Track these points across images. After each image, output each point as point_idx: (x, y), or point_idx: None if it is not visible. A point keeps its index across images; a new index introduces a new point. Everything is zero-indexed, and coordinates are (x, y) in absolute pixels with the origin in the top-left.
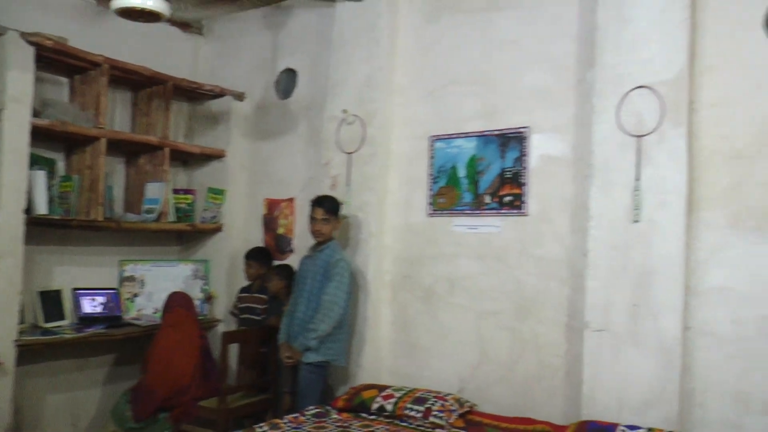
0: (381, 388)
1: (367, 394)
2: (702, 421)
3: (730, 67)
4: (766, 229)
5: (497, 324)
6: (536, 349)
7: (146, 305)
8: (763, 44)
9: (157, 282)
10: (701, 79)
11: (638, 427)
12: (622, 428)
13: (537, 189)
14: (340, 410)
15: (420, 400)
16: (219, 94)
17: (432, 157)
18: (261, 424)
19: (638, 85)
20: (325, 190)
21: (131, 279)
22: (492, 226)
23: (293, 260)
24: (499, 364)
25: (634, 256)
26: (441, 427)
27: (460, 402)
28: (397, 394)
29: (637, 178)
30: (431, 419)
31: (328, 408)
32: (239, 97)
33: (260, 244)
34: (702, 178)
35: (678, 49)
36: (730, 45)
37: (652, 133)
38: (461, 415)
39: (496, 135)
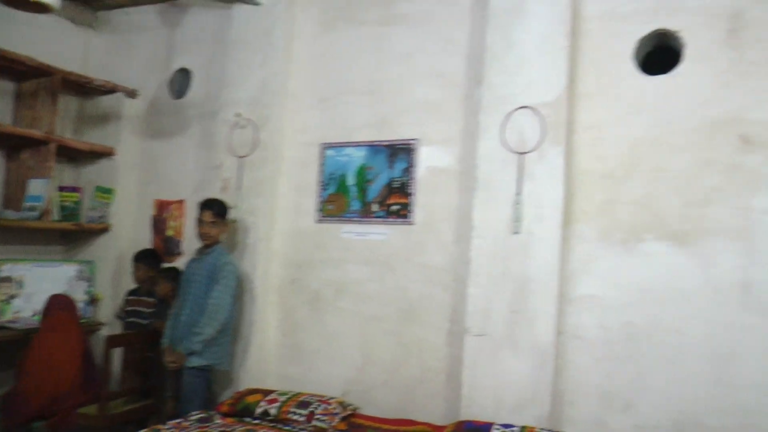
0: (265, 392)
1: (251, 399)
2: (571, 419)
3: (605, 93)
4: (632, 242)
5: (382, 329)
6: (419, 353)
7: (24, 307)
8: (633, 75)
9: (37, 283)
10: (579, 103)
11: (512, 426)
12: (497, 427)
13: (423, 199)
14: (225, 415)
15: (304, 404)
16: (110, 90)
17: (323, 164)
18: (143, 431)
19: (522, 105)
20: (216, 193)
21: (8, 280)
22: (379, 233)
23: (183, 263)
24: (383, 367)
25: (513, 265)
26: (323, 430)
27: (343, 405)
28: (282, 398)
29: (518, 192)
30: (314, 423)
31: (212, 413)
32: (131, 94)
33: (149, 245)
34: (577, 194)
35: (558, 74)
36: (605, 73)
37: (533, 150)
38: (344, 418)
39: (386, 145)
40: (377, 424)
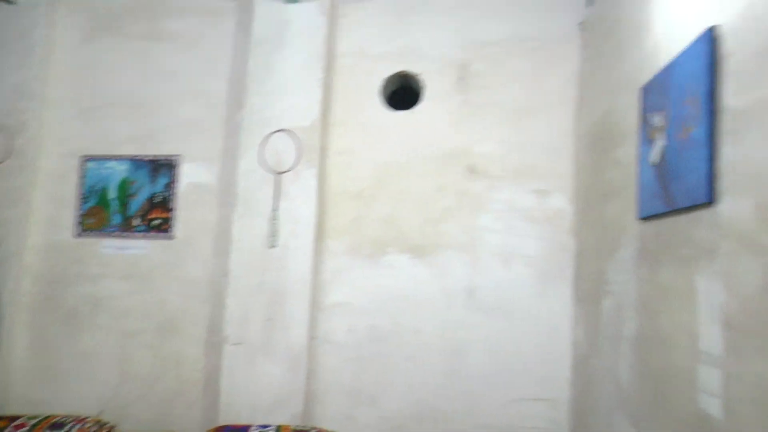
0: (12, 418)
1: None
2: (323, 416)
3: (355, 122)
4: (377, 255)
5: (140, 343)
6: (177, 365)
7: None
8: (380, 109)
9: None
10: (332, 130)
11: (268, 426)
12: (255, 428)
13: (185, 214)
14: None
15: (57, 425)
16: None
17: (83, 177)
18: None
19: (280, 128)
20: None
21: None
22: (140, 248)
23: None
24: (140, 382)
25: (269, 276)
26: None
27: (100, 424)
28: (31, 422)
29: (275, 209)
30: None
31: None
32: None
33: None
34: (329, 212)
35: (314, 103)
36: (356, 105)
37: (289, 170)
38: None
39: (149, 160)
40: None
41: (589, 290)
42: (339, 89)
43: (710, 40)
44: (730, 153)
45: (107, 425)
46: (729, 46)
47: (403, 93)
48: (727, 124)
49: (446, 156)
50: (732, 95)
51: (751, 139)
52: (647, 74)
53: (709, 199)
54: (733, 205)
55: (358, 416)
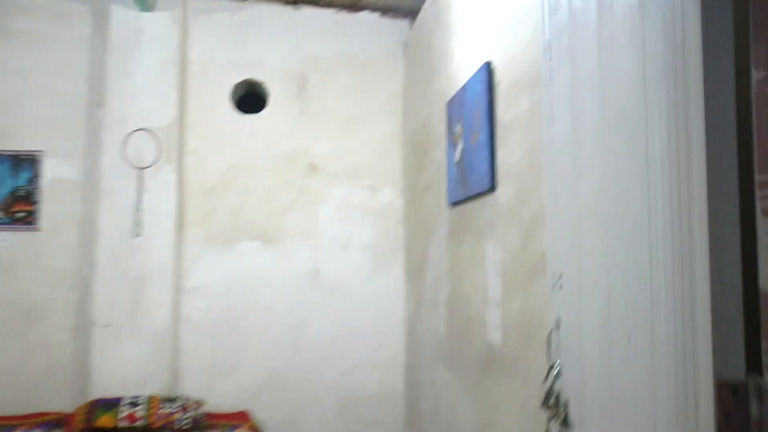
0: None
1: None
2: (188, 388)
3: (207, 124)
4: (230, 243)
5: (5, 331)
6: (45, 350)
7: None
8: (229, 112)
9: None
10: (187, 131)
11: (139, 395)
12: (126, 398)
13: (49, 207)
14: None
15: None
16: None
17: None
18: None
19: (140, 127)
20: None
21: None
22: (1, 240)
23: None
24: (7, 369)
25: (134, 263)
26: None
27: None
28: None
29: (138, 202)
30: None
31: None
32: None
33: None
34: (187, 205)
35: (170, 105)
36: (208, 109)
37: (150, 166)
38: None
39: (9, 156)
40: (6, 422)
41: (416, 269)
42: (193, 93)
43: (488, 70)
44: (502, 154)
45: None
46: (498, 76)
47: (250, 99)
48: (499, 132)
49: (289, 156)
50: (502, 112)
51: (512, 143)
52: (451, 91)
53: (491, 187)
54: (504, 191)
55: (218, 387)
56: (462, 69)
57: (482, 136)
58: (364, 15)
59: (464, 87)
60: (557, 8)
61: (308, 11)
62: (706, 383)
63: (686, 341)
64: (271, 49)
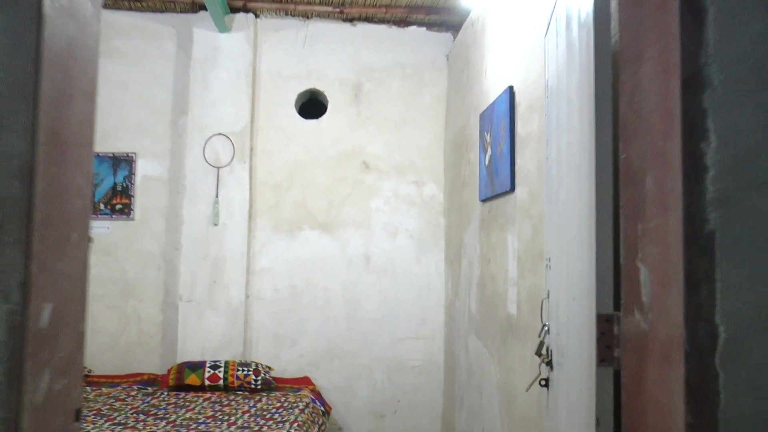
0: None
1: None
2: (256, 356)
3: (274, 128)
4: (294, 231)
5: (105, 305)
6: (138, 321)
7: None
8: (294, 117)
9: None
10: (257, 134)
11: (219, 360)
12: (209, 363)
13: (142, 200)
14: None
15: None
16: None
17: None
18: None
19: (217, 132)
20: None
21: None
22: (104, 227)
23: None
24: (107, 336)
25: (212, 248)
26: None
27: None
28: None
29: (216, 196)
30: None
31: None
32: None
33: None
34: (257, 198)
35: (243, 112)
36: (275, 115)
37: (226, 166)
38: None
39: (109, 156)
40: (110, 380)
41: (454, 254)
42: (262, 101)
43: (510, 93)
44: (519, 162)
45: (85, 369)
46: (518, 98)
47: (312, 105)
48: (518, 144)
49: (345, 155)
50: (520, 128)
51: (527, 154)
52: (483, 105)
53: (512, 189)
54: (520, 192)
55: (282, 356)
56: (492, 87)
57: (505, 147)
58: (413, 29)
59: (493, 103)
60: (555, 57)
61: (363, 27)
62: (591, 315)
63: (591, 296)
64: (331, 61)
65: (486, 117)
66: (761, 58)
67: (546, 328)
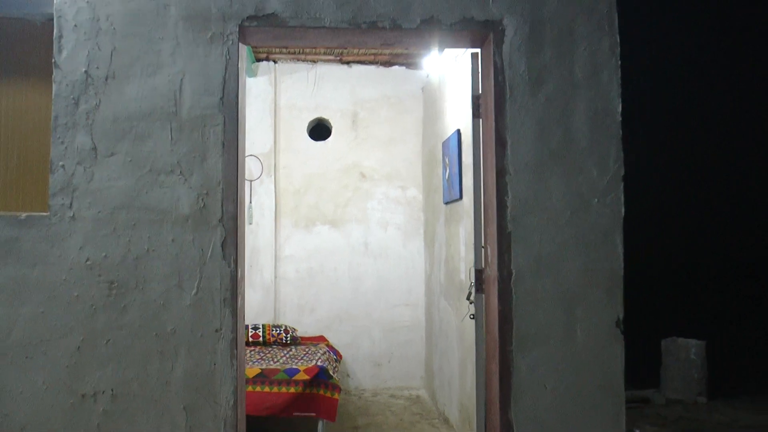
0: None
1: None
2: (284, 320)
3: (292, 149)
4: (310, 226)
5: None
6: None
7: None
8: (306, 141)
9: None
10: (279, 154)
11: (258, 323)
12: (251, 325)
13: None
14: None
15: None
16: None
17: None
18: None
19: (249, 154)
20: None
21: None
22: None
23: None
24: None
25: (249, 240)
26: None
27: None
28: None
29: (250, 202)
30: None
31: None
32: None
33: None
34: (281, 202)
35: (268, 137)
36: (292, 139)
37: (257, 179)
38: None
39: None
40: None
41: (430, 241)
42: (282, 128)
43: (458, 133)
44: (464, 180)
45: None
46: (463, 138)
47: (320, 130)
48: (464, 169)
49: (346, 168)
50: (464, 157)
51: (468, 176)
52: (444, 136)
53: (460, 197)
54: (466, 200)
55: (304, 320)
56: (449, 124)
57: (456, 169)
58: (396, 68)
59: (449, 137)
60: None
61: (358, 68)
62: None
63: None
64: (334, 95)
65: (445, 145)
66: (529, 163)
67: (471, 284)
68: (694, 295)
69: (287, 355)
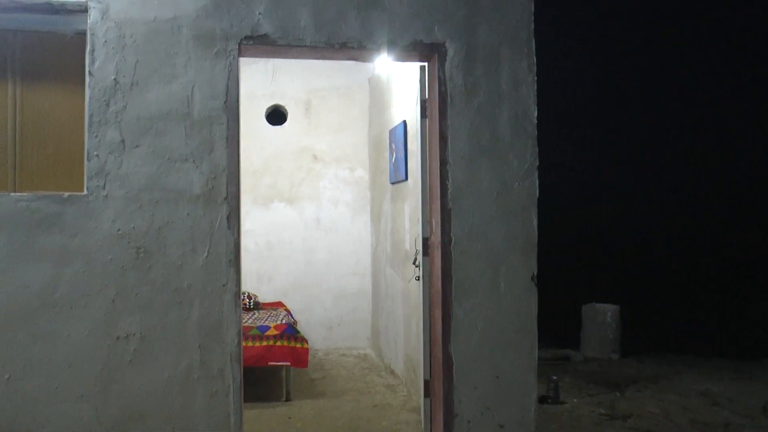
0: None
1: None
2: (246, 287)
3: (251, 135)
4: (268, 203)
5: None
6: None
7: None
8: (264, 126)
9: None
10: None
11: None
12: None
13: None
14: None
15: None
16: None
17: None
18: None
19: None
20: None
21: None
22: None
23: None
24: None
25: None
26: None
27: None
28: None
29: None
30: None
31: None
32: None
33: None
34: (242, 182)
35: None
36: (252, 125)
37: None
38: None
39: None
40: None
41: (376, 217)
42: (244, 114)
43: (404, 125)
44: (410, 164)
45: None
46: (409, 128)
47: (277, 116)
48: (409, 154)
49: (301, 150)
50: (410, 145)
51: (413, 160)
52: (391, 125)
53: (406, 179)
54: (411, 181)
55: (262, 288)
56: (395, 115)
57: (402, 155)
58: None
59: (396, 126)
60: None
61: (312, 60)
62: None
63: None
64: (290, 85)
65: (392, 133)
66: (465, 155)
67: (417, 251)
68: (611, 265)
69: (253, 318)
